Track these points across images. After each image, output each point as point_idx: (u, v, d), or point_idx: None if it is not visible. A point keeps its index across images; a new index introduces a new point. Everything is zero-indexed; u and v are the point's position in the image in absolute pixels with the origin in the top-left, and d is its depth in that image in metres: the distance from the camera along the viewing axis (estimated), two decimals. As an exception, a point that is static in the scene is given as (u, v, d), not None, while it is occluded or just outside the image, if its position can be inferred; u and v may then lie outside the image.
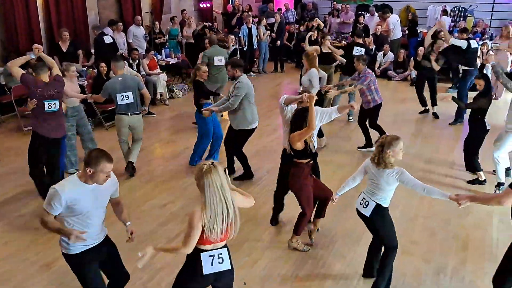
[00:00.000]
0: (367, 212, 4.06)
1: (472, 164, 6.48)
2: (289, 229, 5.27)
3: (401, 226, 5.08)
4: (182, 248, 3.06)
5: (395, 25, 13.00)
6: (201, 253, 3.11)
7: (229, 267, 3.21)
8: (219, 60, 8.48)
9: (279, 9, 14.98)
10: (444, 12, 14.38)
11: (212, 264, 3.13)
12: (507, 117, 5.95)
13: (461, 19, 14.36)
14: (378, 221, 4.07)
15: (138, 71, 9.49)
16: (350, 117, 9.10)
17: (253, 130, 6.33)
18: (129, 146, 6.69)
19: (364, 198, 4.13)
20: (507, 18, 13.78)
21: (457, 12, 14.68)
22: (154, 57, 10.48)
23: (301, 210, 4.78)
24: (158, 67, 10.39)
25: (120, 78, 6.36)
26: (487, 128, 6.21)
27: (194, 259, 3.14)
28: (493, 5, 14.67)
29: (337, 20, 14.83)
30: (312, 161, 4.74)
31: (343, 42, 13.02)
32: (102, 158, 3.15)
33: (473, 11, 14.63)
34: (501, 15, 14.50)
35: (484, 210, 5.69)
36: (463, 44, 8.47)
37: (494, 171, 6.41)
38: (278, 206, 5.43)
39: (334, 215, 5.53)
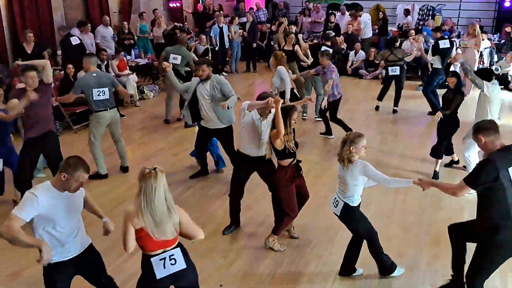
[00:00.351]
0: (338, 211, 4.18)
1: (437, 151, 6.51)
2: (263, 230, 5.24)
3: (375, 224, 5.07)
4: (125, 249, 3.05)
5: (366, 24, 13.13)
6: (151, 259, 3.07)
7: (184, 266, 3.15)
8: (174, 58, 8.42)
9: (251, 9, 14.94)
10: (407, 12, 14.58)
11: (164, 267, 3.08)
12: (476, 115, 6.02)
13: (430, 17, 14.61)
14: (348, 219, 4.18)
15: (107, 72, 9.28)
16: (304, 114, 9.21)
17: None
18: (101, 151, 6.54)
19: (335, 198, 4.22)
20: (474, 17, 14.09)
21: (425, 11, 14.94)
22: (124, 58, 10.29)
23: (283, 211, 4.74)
24: (127, 67, 10.20)
25: (94, 74, 6.21)
26: (459, 125, 6.32)
27: (146, 266, 3.11)
28: (460, 4, 15.00)
29: (309, 19, 14.89)
30: (294, 162, 4.66)
31: (315, 41, 13.06)
32: (80, 166, 3.11)
33: (441, 10, 14.92)
34: (468, 14, 14.83)
35: (456, 206, 5.77)
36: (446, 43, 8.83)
37: (464, 166, 6.53)
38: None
39: (309, 215, 5.51)
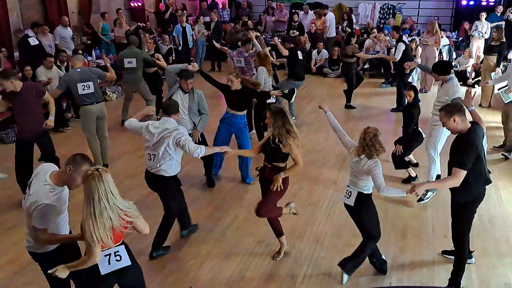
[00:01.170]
0: (351, 202, 4.12)
1: (401, 163, 6.36)
2: (230, 232, 5.22)
3: (342, 219, 5.14)
4: (88, 259, 2.96)
5: (331, 23, 13.26)
6: None
7: (129, 263, 3.13)
8: (129, 62, 8.33)
9: (215, 8, 14.85)
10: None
11: (109, 263, 3.06)
12: (433, 109, 5.99)
13: (390, 16, 14.90)
14: (363, 209, 4.14)
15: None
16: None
17: None
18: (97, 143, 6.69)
19: (347, 190, 4.19)
20: (432, 15, 14.45)
21: (386, 10, 15.22)
22: (84, 59, 10.00)
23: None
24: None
25: (78, 69, 6.36)
26: (423, 137, 6.21)
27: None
28: (419, 3, 15.36)
29: (272, 18, 14.92)
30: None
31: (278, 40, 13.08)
32: (86, 161, 3.22)
33: (401, 9, 15.24)
34: (427, 12, 15.21)
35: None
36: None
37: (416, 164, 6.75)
38: None
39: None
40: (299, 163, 4.36)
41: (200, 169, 6.53)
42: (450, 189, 4.07)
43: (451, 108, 3.96)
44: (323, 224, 5.37)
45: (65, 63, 9.25)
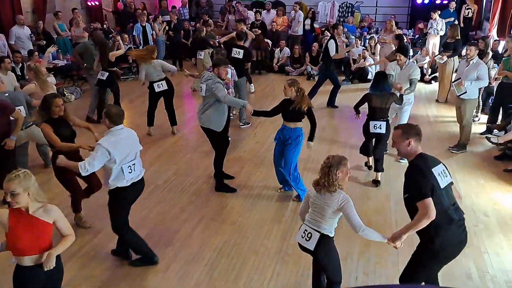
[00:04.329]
0: (311, 246, 3.62)
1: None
2: (197, 233, 5.16)
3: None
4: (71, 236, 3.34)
5: (300, 21, 13.33)
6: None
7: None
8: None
9: (174, 7, 14.68)
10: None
11: None
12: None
13: (349, 14, 15.16)
14: (325, 254, 3.67)
15: (22, 75, 8.72)
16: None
17: None
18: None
19: (306, 230, 3.68)
20: (389, 13, 14.79)
21: (345, 8, 15.47)
22: (40, 59, 9.67)
23: None
24: (45, 69, 9.60)
25: (7, 94, 5.96)
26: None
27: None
28: (376, 1, 15.69)
29: (235, 17, 14.85)
30: None
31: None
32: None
33: (359, 7, 15.53)
34: (384, 10, 15.56)
35: (382, 195, 6.03)
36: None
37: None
38: None
39: (243, 211, 5.51)
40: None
41: (163, 170, 6.45)
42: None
43: (409, 129, 3.49)
44: (289, 221, 5.41)
45: (20, 64, 8.93)
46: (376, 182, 6.33)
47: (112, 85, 8.64)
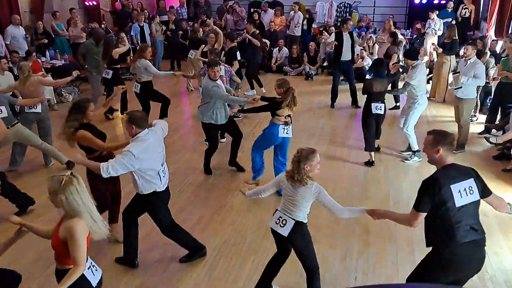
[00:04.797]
0: (285, 232, 3.72)
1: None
2: (196, 233, 5.16)
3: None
4: (77, 268, 2.90)
5: (299, 22, 13.32)
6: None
7: (100, 271, 3.24)
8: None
9: (172, 7, 14.66)
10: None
11: (94, 275, 3.12)
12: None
13: (347, 14, 15.15)
14: (298, 240, 3.76)
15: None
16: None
17: None
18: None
19: (280, 217, 3.78)
20: (387, 13, 14.79)
21: (343, 8, 15.46)
22: (38, 60, 9.66)
23: None
24: (42, 69, 9.59)
25: None
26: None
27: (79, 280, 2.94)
28: (374, 1, 15.69)
29: (233, 17, 14.85)
30: None
31: (239, 38, 13.05)
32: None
33: (357, 7, 15.53)
34: (382, 10, 15.56)
35: (382, 195, 6.02)
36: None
37: (401, 151, 7.24)
38: None
39: (242, 211, 5.50)
40: None
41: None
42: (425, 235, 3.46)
43: (441, 137, 3.32)
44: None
45: (17, 64, 8.87)
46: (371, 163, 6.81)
47: (118, 82, 8.65)
